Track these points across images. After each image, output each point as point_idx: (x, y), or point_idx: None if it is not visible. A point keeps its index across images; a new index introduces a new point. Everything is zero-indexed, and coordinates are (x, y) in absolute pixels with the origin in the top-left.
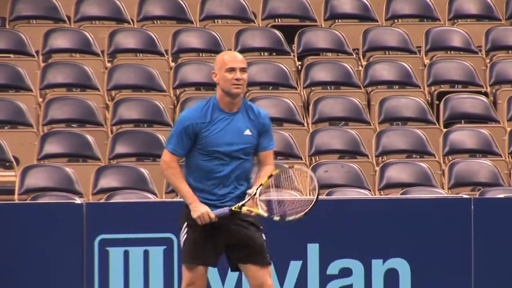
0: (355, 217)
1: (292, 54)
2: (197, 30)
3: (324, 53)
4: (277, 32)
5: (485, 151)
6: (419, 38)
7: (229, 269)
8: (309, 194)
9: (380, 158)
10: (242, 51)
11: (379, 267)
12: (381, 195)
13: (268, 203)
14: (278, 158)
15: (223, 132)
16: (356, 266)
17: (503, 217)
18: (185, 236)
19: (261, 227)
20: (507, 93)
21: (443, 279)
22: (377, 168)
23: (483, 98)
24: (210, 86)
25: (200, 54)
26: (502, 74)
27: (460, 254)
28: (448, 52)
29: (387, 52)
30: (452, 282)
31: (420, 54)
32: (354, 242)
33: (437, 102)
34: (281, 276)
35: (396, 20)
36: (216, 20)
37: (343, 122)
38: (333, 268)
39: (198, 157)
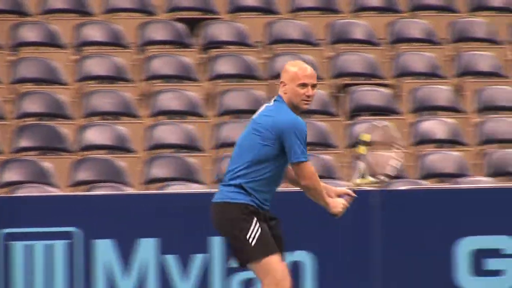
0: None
1: (195, 47)
2: (100, 23)
3: (227, 46)
4: (180, 25)
5: (391, 143)
6: (321, 30)
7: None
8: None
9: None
10: (145, 44)
11: None
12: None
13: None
14: (181, 151)
15: None
16: None
17: (407, 209)
18: (259, 230)
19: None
20: (410, 85)
21: (347, 272)
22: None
23: (385, 90)
24: (113, 79)
25: (102, 47)
26: (404, 67)
27: (362, 246)
28: (351, 44)
29: (290, 45)
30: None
31: (323, 47)
32: None
33: (340, 95)
34: (185, 270)
35: (298, 13)
36: (118, 13)
37: (246, 115)
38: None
39: (280, 164)
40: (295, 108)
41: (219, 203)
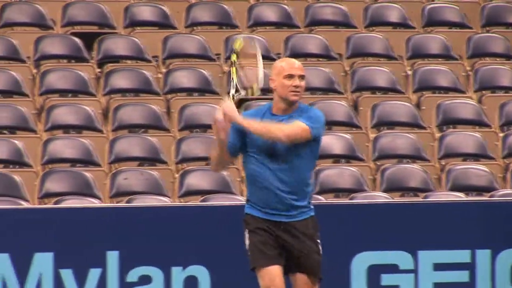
0: (155, 224)
1: (91, 61)
2: None
3: (124, 61)
4: (76, 39)
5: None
6: (218, 45)
7: None
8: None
9: (179, 165)
10: (41, 58)
11: (179, 274)
12: (181, 202)
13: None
14: (77, 165)
15: None
16: (156, 273)
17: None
18: (247, 242)
19: (319, 242)
20: (306, 100)
21: (243, 286)
22: (177, 175)
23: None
24: (9, 93)
25: None
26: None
27: None
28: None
29: (186, 60)
30: None
31: (219, 61)
32: (154, 249)
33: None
34: (81, 284)
35: (195, 28)
36: (14, 27)
37: (143, 130)
38: (133, 275)
39: (245, 156)
40: (285, 101)
41: None
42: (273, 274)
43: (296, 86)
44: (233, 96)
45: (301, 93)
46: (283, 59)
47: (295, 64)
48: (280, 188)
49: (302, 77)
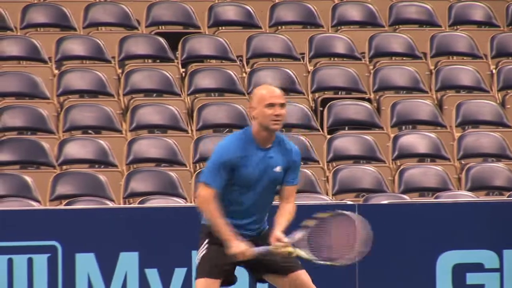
0: None
1: (176, 61)
2: (81, 37)
3: (208, 60)
4: (161, 39)
5: (369, 157)
6: (302, 44)
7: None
8: (355, 245)
9: None
10: (126, 58)
11: None
12: None
13: (310, 245)
14: (162, 165)
15: (257, 168)
16: (240, 271)
17: (388, 223)
18: (204, 252)
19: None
20: (391, 99)
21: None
22: None
23: (366, 104)
24: (94, 93)
25: (84, 62)
26: (385, 81)
27: None
28: (332, 58)
29: (271, 59)
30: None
31: (304, 61)
32: None
33: (321, 109)
34: (166, 284)
35: (279, 27)
36: (99, 27)
37: (228, 129)
38: None
39: (232, 191)
40: (266, 129)
41: None
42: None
43: (277, 115)
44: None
45: (281, 122)
46: (263, 86)
47: (275, 92)
48: (253, 218)
49: (282, 105)
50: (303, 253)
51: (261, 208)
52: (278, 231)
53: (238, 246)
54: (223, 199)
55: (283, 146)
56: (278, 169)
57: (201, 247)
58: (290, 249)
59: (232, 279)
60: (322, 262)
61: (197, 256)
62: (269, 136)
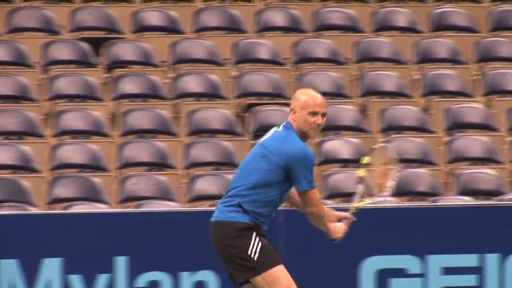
0: (163, 229)
1: (99, 66)
2: (3, 42)
3: (132, 66)
4: (84, 44)
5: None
6: (226, 50)
7: None
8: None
9: (188, 170)
10: (50, 63)
11: (187, 279)
12: (190, 207)
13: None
14: (85, 170)
15: None
16: (165, 278)
17: (309, 229)
18: (259, 244)
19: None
20: None
21: None
22: (185, 180)
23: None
24: (17, 98)
25: (7, 67)
26: (309, 86)
27: None
28: (256, 64)
29: (194, 65)
30: None
31: (227, 66)
32: (163, 254)
33: (245, 114)
34: None
35: (203, 32)
36: (23, 33)
37: (151, 135)
38: (141, 280)
39: (281, 188)
40: (304, 135)
41: (219, 222)
42: (287, 273)
43: (318, 124)
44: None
45: (320, 131)
46: (306, 91)
47: (319, 100)
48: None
49: (324, 115)
50: (366, 202)
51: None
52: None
53: (338, 229)
54: (272, 201)
55: None
56: None
57: (253, 242)
58: (365, 202)
59: None
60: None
61: (250, 251)
62: (304, 140)
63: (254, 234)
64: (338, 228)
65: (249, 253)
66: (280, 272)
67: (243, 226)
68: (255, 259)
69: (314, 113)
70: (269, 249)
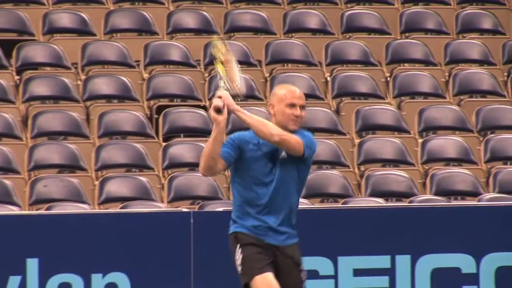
0: (75, 231)
1: (10, 68)
2: None
3: (43, 68)
4: None
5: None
6: (138, 52)
7: None
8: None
9: (100, 172)
10: None
11: (99, 281)
12: (101, 209)
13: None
14: None
15: (265, 159)
16: (76, 280)
17: (223, 230)
18: (241, 255)
19: (302, 270)
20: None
21: None
22: (97, 183)
23: (202, 112)
24: None
25: None
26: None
27: (180, 266)
28: (167, 66)
29: (106, 67)
30: None
31: (139, 68)
32: (75, 257)
33: (156, 116)
34: None
35: (115, 34)
36: None
37: (63, 137)
38: (53, 283)
39: (238, 178)
40: (284, 128)
41: None
42: (269, 279)
43: (297, 116)
44: (226, 90)
45: (300, 123)
46: (284, 86)
47: (297, 93)
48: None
49: (303, 107)
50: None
51: (278, 204)
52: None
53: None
54: (241, 191)
55: (300, 133)
56: (284, 154)
57: (236, 253)
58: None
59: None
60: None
61: (237, 263)
62: None
63: (238, 245)
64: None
65: (236, 264)
66: (258, 282)
67: (233, 236)
68: (239, 270)
69: (292, 105)
70: (250, 260)
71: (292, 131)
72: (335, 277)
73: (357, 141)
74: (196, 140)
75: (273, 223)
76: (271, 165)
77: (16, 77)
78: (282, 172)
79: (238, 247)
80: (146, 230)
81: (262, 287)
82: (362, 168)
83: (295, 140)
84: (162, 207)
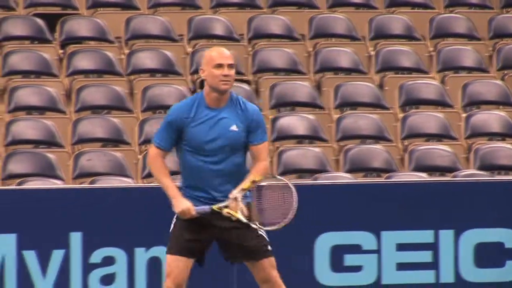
0: (118, 205)
1: (54, 42)
2: None
3: (87, 42)
4: (39, 20)
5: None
6: (182, 26)
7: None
8: (288, 212)
9: (143, 146)
10: (4, 39)
11: (142, 255)
12: (144, 183)
13: (249, 208)
14: (40, 146)
15: (207, 127)
16: (120, 254)
17: None
18: (172, 227)
19: (253, 224)
20: (270, 81)
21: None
22: (140, 156)
23: (245, 86)
24: None
25: None
26: (264, 62)
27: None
28: (210, 40)
29: (149, 41)
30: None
31: (182, 42)
32: (118, 231)
33: (200, 90)
34: (44, 266)
35: (158, 8)
36: None
37: (106, 111)
38: (96, 256)
39: (186, 154)
40: (215, 90)
41: None
42: (176, 266)
43: (225, 75)
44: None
45: (231, 82)
46: (213, 48)
47: (224, 53)
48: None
49: (231, 66)
50: (240, 216)
51: (231, 173)
52: (236, 190)
53: (181, 204)
54: (189, 169)
55: (238, 106)
56: (234, 127)
57: (172, 224)
58: (230, 211)
59: (202, 259)
60: (255, 226)
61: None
62: (219, 97)
63: (176, 215)
64: (180, 204)
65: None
66: (168, 261)
67: None
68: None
69: (219, 65)
70: (174, 235)
71: (224, 91)
72: (378, 251)
73: (400, 115)
74: None
75: None
76: None
77: (60, 51)
78: None
79: (175, 217)
80: None
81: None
82: (406, 142)
83: (266, 168)
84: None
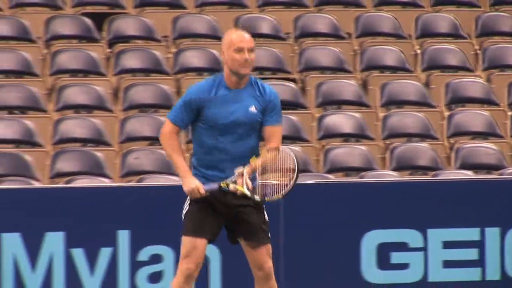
0: (165, 203)
1: (102, 41)
2: (6, 18)
3: (134, 41)
4: (86, 19)
5: (295, 137)
6: (228, 25)
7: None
8: (288, 176)
9: (190, 144)
10: (52, 38)
11: None
12: None
13: (253, 182)
14: (88, 145)
15: (226, 107)
16: (167, 252)
17: (313, 202)
18: (187, 208)
19: (262, 209)
20: (316, 79)
21: None
22: (188, 155)
23: (292, 84)
24: (20, 73)
25: (9, 42)
26: (311, 61)
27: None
28: (257, 39)
29: (196, 40)
30: None
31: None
32: (165, 228)
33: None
34: (92, 264)
35: (205, 7)
36: (26, 8)
37: (153, 109)
38: (144, 254)
39: (202, 132)
40: (235, 74)
41: None
42: (194, 248)
43: (246, 60)
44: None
45: (251, 66)
46: (234, 31)
47: (245, 37)
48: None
49: (251, 50)
50: (245, 190)
51: (245, 154)
52: (245, 168)
53: (190, 183)
54: (204, 148)
55: (256, 87)
56: (253, 108)
57: (186, 205)
58: (238, 186)
59: (214, 238)
60: (258, 199)
61: (183, 212)
62: (239, 80)
63: (188, 197)
64: (189, 183)
65: (183, 214)
66: (185, 243)
67: None
68: (182, 221)
69: (240, 49)
70: (191, 217)
71: (244, 75)
72: (424, 249)
73: (446, 113)
74: (287, 113)
75: None
76: None
77: (108, 50)
78: None
79: (188, 199)
80: None
81: (188, 245)
82: (452, 140)
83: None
84: None
